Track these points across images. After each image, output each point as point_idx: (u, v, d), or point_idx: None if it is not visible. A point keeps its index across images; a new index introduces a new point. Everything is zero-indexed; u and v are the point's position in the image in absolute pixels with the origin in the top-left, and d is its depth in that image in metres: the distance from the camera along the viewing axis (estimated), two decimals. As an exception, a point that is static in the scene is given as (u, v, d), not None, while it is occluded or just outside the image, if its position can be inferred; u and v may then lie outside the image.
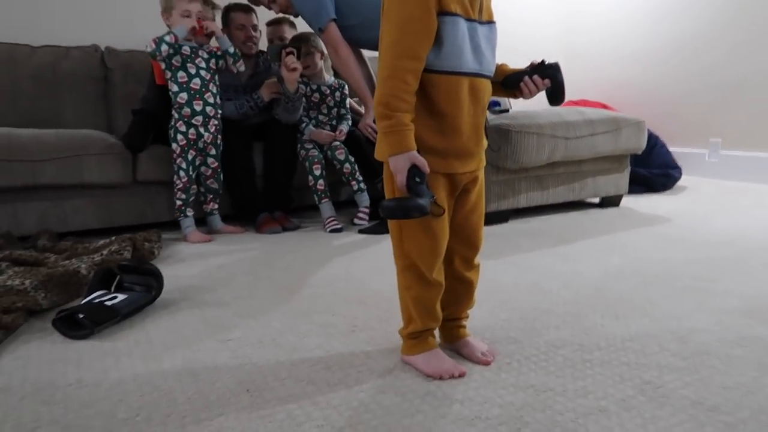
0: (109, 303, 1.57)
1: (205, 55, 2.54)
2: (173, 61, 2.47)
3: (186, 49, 2.49)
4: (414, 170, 1.10)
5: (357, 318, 1.59)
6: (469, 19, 1.15)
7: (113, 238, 2.20)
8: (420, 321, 1.27)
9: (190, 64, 2.49)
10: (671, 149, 3.85)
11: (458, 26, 1.12)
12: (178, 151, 2.52)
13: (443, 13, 1.11)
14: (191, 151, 2.53)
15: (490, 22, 1.21)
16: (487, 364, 1.30)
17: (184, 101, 2.49)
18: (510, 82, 1.27)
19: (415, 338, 1.29)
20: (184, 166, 2.53)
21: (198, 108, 2.51)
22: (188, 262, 2.20)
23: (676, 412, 1.08)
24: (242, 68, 2.67)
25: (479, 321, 1.50)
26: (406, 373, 1.26)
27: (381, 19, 1.15)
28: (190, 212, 2.58)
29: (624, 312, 1.59)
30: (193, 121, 2.51)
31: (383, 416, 1.08)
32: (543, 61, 1.26)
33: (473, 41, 1.16)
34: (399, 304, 1.30)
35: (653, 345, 1.37)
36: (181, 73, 2.47)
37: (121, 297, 1.61)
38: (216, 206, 2.70)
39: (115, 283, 1.71)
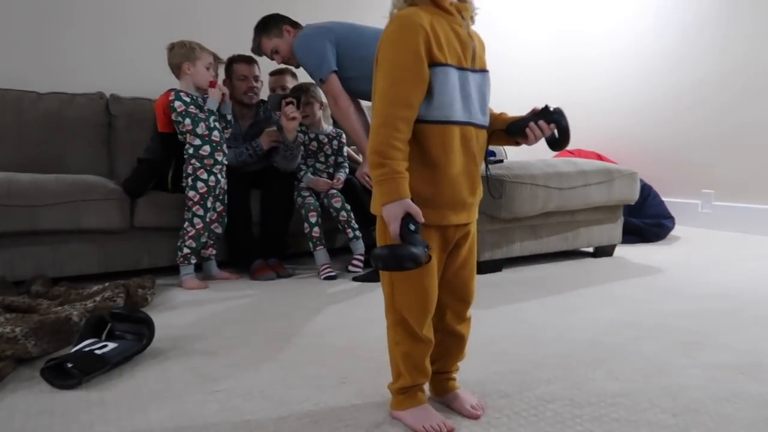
0: (99, 352, 1.56)
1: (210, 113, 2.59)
2: (192, 111, 2.50)
3: (201, 103, 2.55)
4: (408, 219, 1.10)
5: (347, 370, 1.58)
6: (460, 68, 1.18)
7: (107, 284, 2.21)
8: (409, 376, 1.27)
9: (207, 122, 2.53)
10: (664, 199, 3.89)
11: (449, 76, 1.15)
12: (196, 199, 2.53)
13: (435, 63, 1.14)
14: (210, 198, 2.56)
15: (483, 70, 1.24)
16: (476, 417, 1.29)
17: (207, 153, 2.52)
18: (514, 129, 1.27)
19: (403, 393, 1.29)
20: (201, 213, 2.54)
21: (219, 158, 2.57)
22: (181, 310, 2.20)
23: (665, 472, 1.07)
24: (227, 136, 2.70)
25: (470, 373, 1.49)
26: (395, 428, 1.25)
27: (374, 68, 1.18)
28: (194, 260, 2.59)
29: (615, 367, 1.59)
30: (214, 170, 2.55)
31: (369, 474, 1.07)
32: (547, 107, 1.26)
33: (464, 90, 1.18)
34: (389, 360, 1.30)
35: (644, 401, 1.37)
36: (201, 127, 2.51)
37: (111, 345, 1.60)
38: (214, 252, 2.72)
39: (106, 331, 1.71)
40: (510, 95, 4.84)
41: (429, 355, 1.28)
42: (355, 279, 2.66)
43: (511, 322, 2.00)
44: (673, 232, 3.81)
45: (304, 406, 1.36)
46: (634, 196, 3.12)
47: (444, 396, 1.36)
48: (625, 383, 1.47)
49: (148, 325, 1.70)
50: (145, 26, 3.48)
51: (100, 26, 3.39)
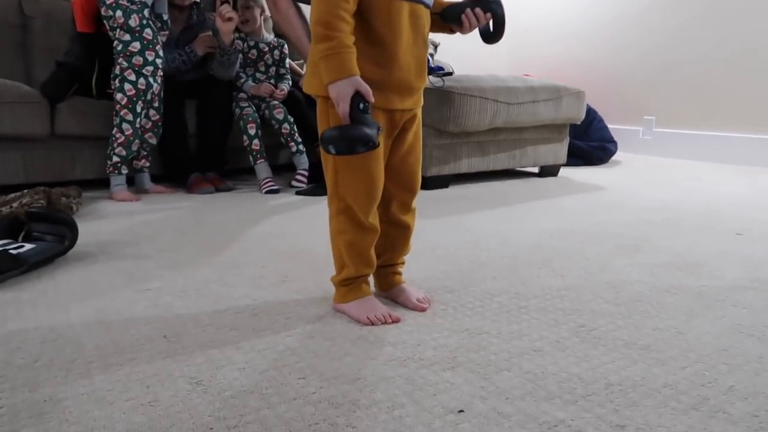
0: (14, 252, 1.43)
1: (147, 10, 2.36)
2: (123, 2, 2.26)
3: None
4: (357, 98, 1.01)
5: (288, 269, 1.51)
6: None
7: (25, 191, 2.03)
8: (353, 267, 1.21)
9: (140, 14, 2.31)
10: (608, 125, 3.92)
11: None
12: (124, 102, 2.33)
13: None
14: (140, 102, 2.36)
15: None
16: (423, 310, 1.25)
17: (136, 50, 2.31)
18: (450, 14, 1.19)
19: (347, 285, 1.23)
20: (130, 117, 2.35)
21: (150, 58, 2.35)
22: (110, 219, 2.06)
23: (608, 351, 1.06)
24: (163, 39, 2.48)
25: (415, 273, 1.46)
26: (338, 320, 1.20)
27: None
28: (125, 170, 2.42)
29: (560, 266, 1.58)
30: (143, 71, 2.34)
31: (310, 359, 1.02)
32: None
33: None
34: (332, 253, 1.24)
35: (588, 294, 1.37)
36: (134, 19, 2.28)
37: (28, 246, 1.47)
38: (148, 164, 2.55)
39: (23, 234, 1.56)
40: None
41: (374, 245, 1.22)
42: (298, 193, 2.57)
43: (457, 230, 1.97)
44: (615, 157, 3.87)
45: (242, 301, 1.29)
46: (580, 115, 3.11)
47: (389, 291, 1.32)
48: (568, 279, 1.47)
49: (70, 227, 1.57)
50: None
51: None
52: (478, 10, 1.17)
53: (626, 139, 4.22)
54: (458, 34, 1.24)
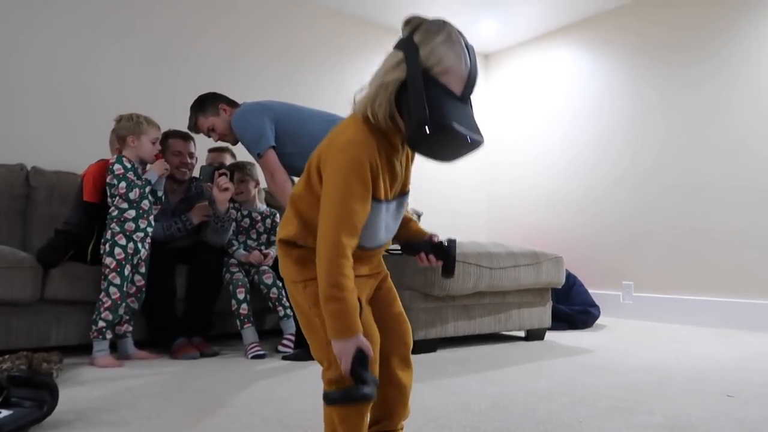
0: (-11, 418, 1.37)
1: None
2: (130, 176, 2.46)
3: (140, 173, 2.52)
4: (359, 355, 1.08)
5: (275, 436, 1.46)
6: (387, 201, 1.19)
7: (6, 356, 1.99)
8: None
9: (142, 189, 2.48)
10: (589, 290, 4.03)
11: (380, 211, 1.18)
12: (113, 266, 2.41)
13: (372, 198, 1.15)
14: (127, 266, 2.44)
15: (403, 194, 1.26)
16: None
17: (130, 217, 2.45)
18: (410, 249, 1.33)
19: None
20: (117, 281, 2.40)
21: (142, 226, 2.49)
22: (91, 385, 2.00)
23: None
24: (155, 212, 2.64)
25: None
26: (327, 489, 1.14)
27: (312, 172, 1.16)
28: (109, 335, 2.41)
29: (553, 428, 1.55)
30: (134, 237, 2.46)
31: None
32: (441, 244, 1.32)
33: (386, 219, 1.21)
34: (323, 422, 1.21)
35: (584, 457, 1.33)
36: (134, 192, 2.45)
37: (5, 413, 1.42)
38: (131, 328, 2.53)
39: (1, 399, 1.51)
40: (439, 196, 5.05)
41: (368, 414, 1.20)
42: (284, 358, 2.53)
43: (447, 393, 1.94)
44: (598, 321, 3.91)
45: (225, 469, 1.23)
46: (560, 279, 3.22)
47: None
48: (564, 443, 1.43)
49: (51, 391, 1.52)
50: (74, 99, 3.43)
51: (25, 98, 3.31)
52: (431, 256, 1.31)
53: (608, 304, 4.30)
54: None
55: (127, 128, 2.52)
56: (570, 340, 3.22)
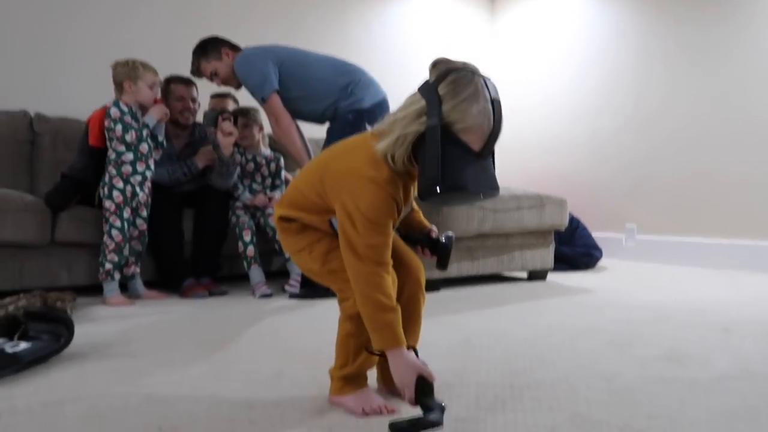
0: (10, 350, 1.43)
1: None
2: (127, 119, 2.46)
3: (139, 117, 2.52)
4: (421, 383, 1.11)
5: (283, 367, 1.51)
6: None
7: (21, 294, 2.05)
8: (357, 366, 1.23)
9: (139, 132, 2.48)
10: (592, 233, 4.06)
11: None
12: (112, 209, 2.44)
13: None
14: (127, 208, 2.46)
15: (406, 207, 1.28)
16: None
17: (128, 160, 2.47)
18: (408, 240, 1.35)
19: (345, 379, 1.24)
20: (118, 224, 2.44)
21: (140, 169, 2.50)
22: (104, 322, 2.07)
23: (604, 436, 1.07)
24: (157, 157, 2.65)
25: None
26: (334, 412, 1.20)
27: (350, 216, 1.14)
28: (117, 276, 2.46)
29: (552, 359, 1.60)
30: (131, 180, 2.48)
31: (307, 447, 1.02)
32: (438, 240, 1.33)
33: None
34: (334, 350, 1.25)
35: (581, 384, 1.38)
36: (131, 135, 2.46)
37: (24, 345, 1.48)
38: (138, 270, 2.58)
39: (19, 332, 1.57)
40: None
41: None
42: (291, 297, 2.59)
43: (449, 329, 1.99)
44: (600, 263, 3.95)
45: (238, 395, 1.29)
46: (564, 222, 3.24)
47: (393, 384, 1.31)
48: (561, 372, 1.49)
49: (67, 325, 1.58)
50: (77, 46, 3.38)
51: (28, 44, 3.27)
52: (426, 250, 1.34)
53: (610, 246, 4.34)
54: None
55: (124, 74, 2.50)
56: (571, 280, 3.27)
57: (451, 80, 1.10)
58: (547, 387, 1.36)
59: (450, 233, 1.35)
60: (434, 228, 1.36)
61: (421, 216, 1.39)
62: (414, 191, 1.25)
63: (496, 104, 1.13)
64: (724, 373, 1.48)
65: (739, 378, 1.44)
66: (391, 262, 1.16)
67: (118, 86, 2.53)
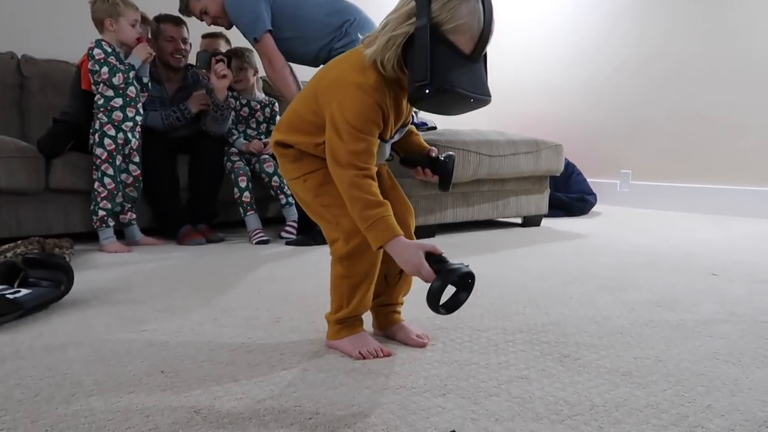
0: (11, 296, 1.45)
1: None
2: (112, 60, 2.39)
3: (122, 57, 2.44)
4: (430, 257, 1.10)
5: (281, 311, 1.55)
6: (386, 140, 1.22)
7: (19, 241, 2.06)
8: (352, 308, 1.25)
9: (126, 74, 2.42)
10: (587, 179, 4.06)
11: (381, 146, 1.20)
12: (104, 156, 2.42)
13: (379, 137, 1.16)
14: (119, 156, 2.44)
15: (404, 125, 1.27)
16: (423, 346, 1.29)
17: (117, 106, 2.42)
18: (407, 162, 1.34)
19: (341, 323, 1.27)
20: (110, 172, 2.43)
21: (130, 115, 2.46)
22: (103, 268, 2.09)
23: (592, 377, 1.11)
24: (143, 100, 2.58)
25: (405, 313, 1.48)
26: (331, 355, 1.24)
27: (335, 125, 1.13)
28: (111, 222, 2.46)
29: (544, 304, 1.64)
30: (123, 126, 2.44)
31: (306, 389, 1.05)
32: (437, 158, 1.32)
33: (384, 149, 1.24)
34: (329, 295, 1.27)
35: (572, 328, 1.42)
36: (118, 77, 2.39)
37: (24, 291, 1.50)
38: (134, 216, 2.59)
39: (19, 279, 1.59)
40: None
41: (374, 286, 1.27)
42: (288, 243, 2.62)
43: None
44: (594, 209, 3.98)
45: (237, 339, 1.32)
46: (559, 167, 3.24)
47: (389, 329, 1.35)
48: (553, 315, 1.52)
49: (66, 272, 1.60)
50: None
51: (11, -18, 3.16)
52: (428, 170, 1.32)
53: (605, 192, 4.36)
54: None
55: (104, 11, 2.41)
56: (565, 226, 3.31)
57: None
58: (539, 330, 1.40)
59: (451, 153, 1.34)
60: (434, 149, 1.35)
61: (420, 138, 1.37)
62: (408, 107, 1.23)
63: (486, 4, 1.11)
64: (711, 316, 1.52)
65: (725, 321, 1.48)
66: (374, 169, 1.15)
67: (98, 24, 2.44)
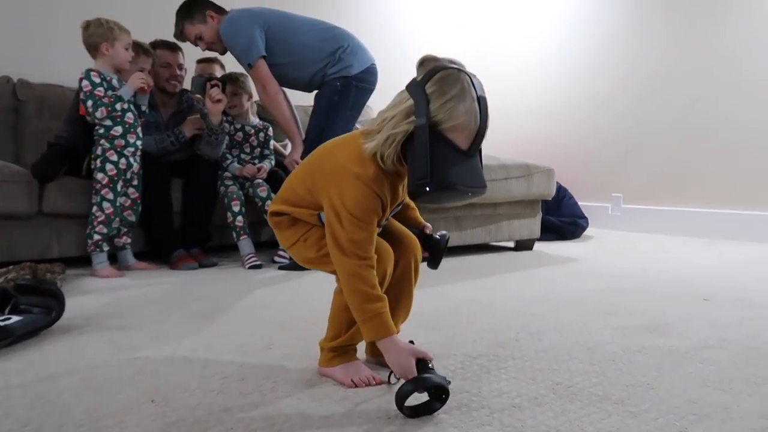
0: (1, 323, 1.45)
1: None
2: (98, 93, 2.39)
3: (116, 85, 2.46)
4: (419, 363, 1.12)
5: (273, 338, 1.55)
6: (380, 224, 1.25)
7: (11, 267, 2.05)
8: (350, 337, 1.26)
9: (110, 107, 2.42)
10: (578, 202, 4.10)
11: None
12: (105, 181, 2.42)
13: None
14: (120, 181, 2.45)
15: (399, 204, 1.30)
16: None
17: (118, 134, 2.43)
18: None
19: (335, 351, 1.27)
20: (110, 197, 2.43)
21: (131, 140, 2.48)
22: (95, 294, 2.08)
23: (584, 405, 1.11)
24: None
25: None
26: (323, 383, 1.23)
27: (336, 213, 1.16)
28: (106, 247, 2.46)
29: (537, 329, 1.64)
30: (125, 152, 2.46)
31: (297, 418, 1.05)
32: (431, 236, 1.36)
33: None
34: (326, 322, 1.28)
35: (564, 354, 1.42)
36: (101, 112, 2.39)
37: (15, 318, 1.49)
38: (129, 240, 2.59)
39: (10, 306, 1.58)
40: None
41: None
42: (281, 268, 2.61)
43: (438, 298, 2.03)
44: (586, 232, 4.01)
45: (229, 367, 1.32)
46: (551, 191, 3.27)
47: (381, 355, 1.34)
48: (545, 342, 1.53)
49: (58, 299, 1.59)
50: (61, 8, 3.30)
51: (9, 6, 3.19)
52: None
53: (596, 215, 4.39)
54: None
55: (100, 35, 2.41)
56: (557, 250, 3.32)
57: (438, 79, 1.11)
58: (531, 357, 1.40)
59: (444, 232, 1.38)
60: (429, 225, 1.39)
61: (416, 213, 1.41)
62: (403, 190, 1.26)
63: (482, 102, 1.14)
64: (702, 342, 1.53)
65: (716, 347, 1.49)
66: (375, 257, 1.18)
67: (92, 49, 2.44)
